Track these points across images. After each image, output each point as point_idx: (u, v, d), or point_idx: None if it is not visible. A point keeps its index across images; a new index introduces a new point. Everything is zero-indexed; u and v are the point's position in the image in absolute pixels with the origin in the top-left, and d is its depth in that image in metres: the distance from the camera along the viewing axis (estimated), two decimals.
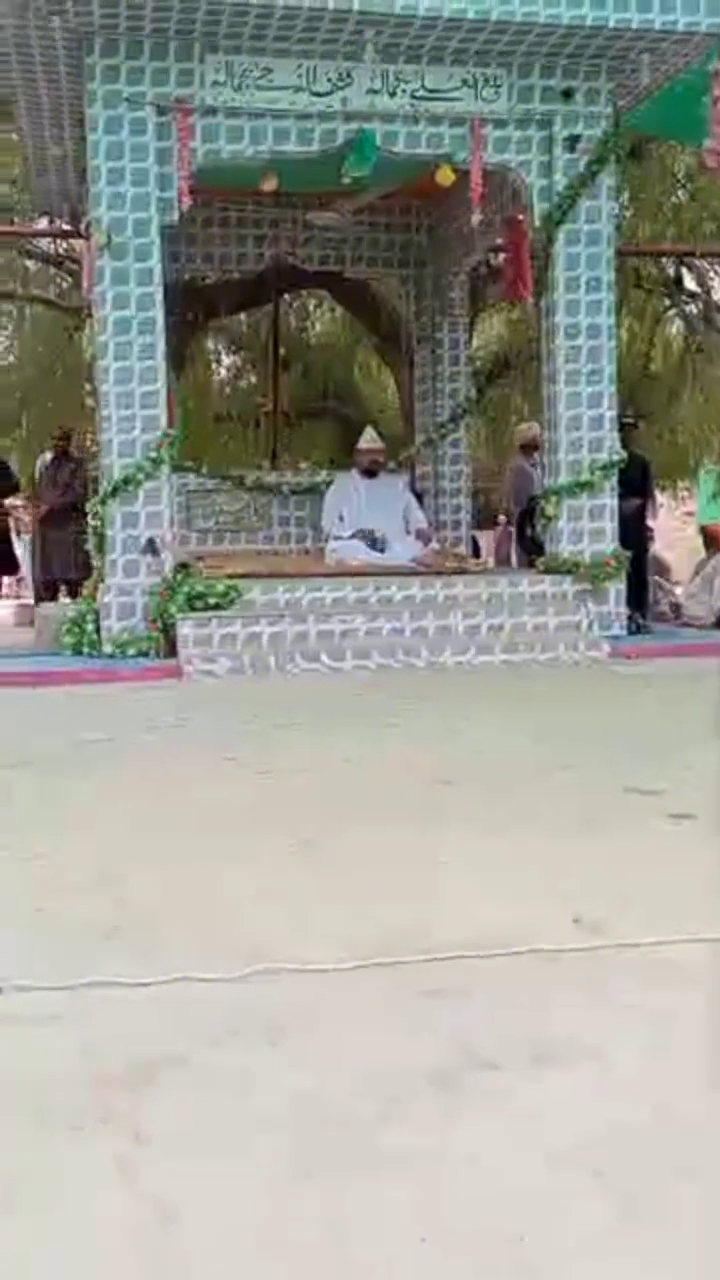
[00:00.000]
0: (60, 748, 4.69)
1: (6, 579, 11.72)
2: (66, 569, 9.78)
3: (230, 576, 7.60)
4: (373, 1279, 1.41)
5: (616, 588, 7.95)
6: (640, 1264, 1.43)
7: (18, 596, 14.02)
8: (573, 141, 7.85)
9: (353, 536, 8.45)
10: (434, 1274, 1.41)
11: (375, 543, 8.35)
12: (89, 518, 7.73)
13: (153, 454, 7.52)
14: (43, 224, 11.87)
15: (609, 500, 8.03)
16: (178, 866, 3.03)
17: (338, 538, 8.52)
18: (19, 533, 11.26)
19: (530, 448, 9.95)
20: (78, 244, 10.78)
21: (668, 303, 12.94)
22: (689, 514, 17.77)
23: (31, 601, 11.34)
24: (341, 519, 8.61)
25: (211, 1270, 1.42)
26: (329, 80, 7.57)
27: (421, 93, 7.70)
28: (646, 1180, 1.60)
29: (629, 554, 8.04)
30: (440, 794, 3.77)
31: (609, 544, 7.98)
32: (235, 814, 3.55)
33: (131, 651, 7.30)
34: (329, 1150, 1.67)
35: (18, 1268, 1.44)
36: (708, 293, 12.89)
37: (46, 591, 10.33)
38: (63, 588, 9.93)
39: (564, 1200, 1.56)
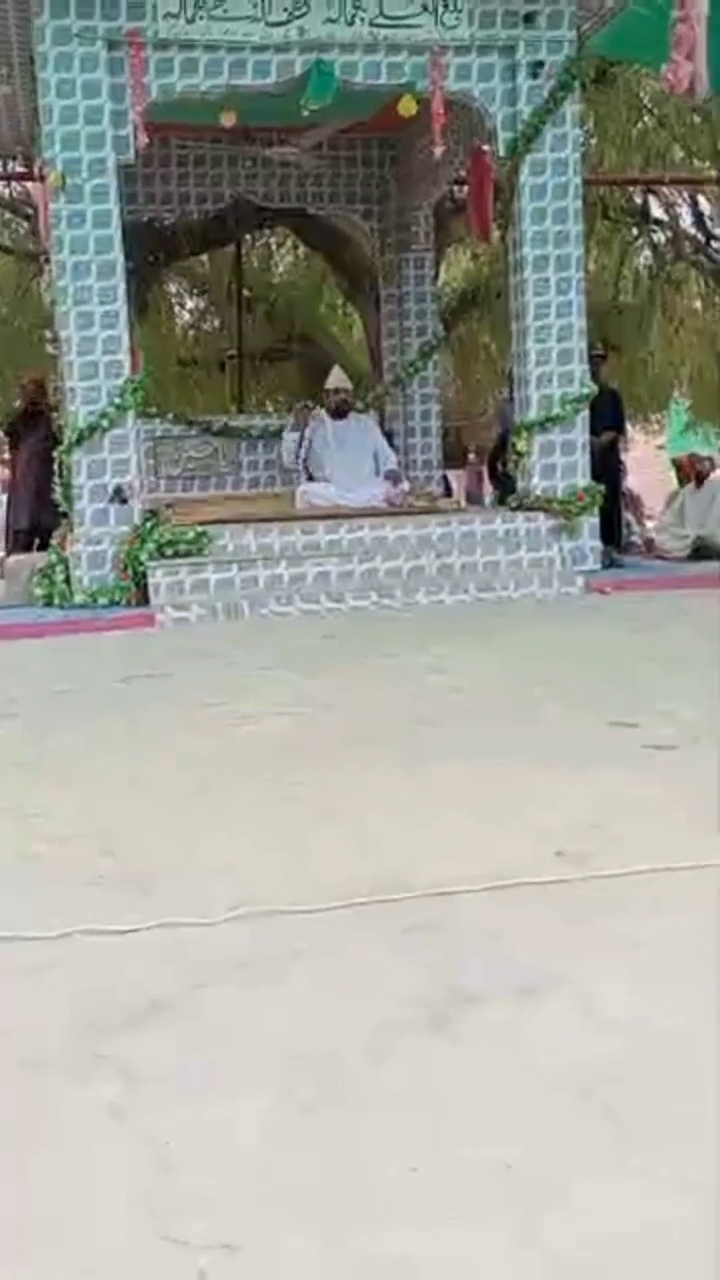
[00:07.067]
0: (40, 700, 4.66)
1: None
2: (48, 518, 9.59)
3: (200, 523, 7.53)
4: (371, 1214, 1.42)
5: (589, 522, 7.93)
6: (632, 1181, 1.45)
7: None
8: (536, 68, 7.68)
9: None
10: (431, 1203, 1.43)
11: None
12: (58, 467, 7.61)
13: (117, 400, 7.40)
14: None
15: (580, 434, 7.98)
16: (162, 814, 3.03)
17: (310, 478, 8.43)
18: None
19: None
20: (32, 187, 10.53)
21: (635, 232, 12.79)
22: (661, 447, 17.74)
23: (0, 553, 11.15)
24: (302, 454, 8.47)
25: (208, 1210, 1.43)
26: (284, 9, 7.36)
27: (380, 20, 7.50)
28: (634, 1102, 1.62)
29: (601, 488, 8.01)
30: (423, 734, 3.77)
31: (581, 478, 7.94)
32: (216, 760, 3.54)
33: (103, 601, 7.23)
34: (322, 1088, 1.68)
35: (16, 1213, 1.44)
36: (675, 221, 12.74)
37: (17, 542, 10.14)
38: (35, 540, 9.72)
39: (555, 1124, 1.58)
